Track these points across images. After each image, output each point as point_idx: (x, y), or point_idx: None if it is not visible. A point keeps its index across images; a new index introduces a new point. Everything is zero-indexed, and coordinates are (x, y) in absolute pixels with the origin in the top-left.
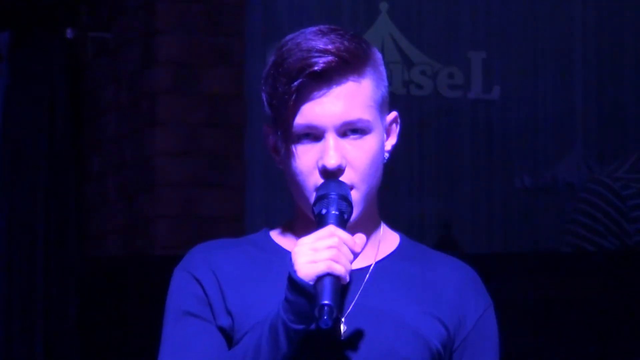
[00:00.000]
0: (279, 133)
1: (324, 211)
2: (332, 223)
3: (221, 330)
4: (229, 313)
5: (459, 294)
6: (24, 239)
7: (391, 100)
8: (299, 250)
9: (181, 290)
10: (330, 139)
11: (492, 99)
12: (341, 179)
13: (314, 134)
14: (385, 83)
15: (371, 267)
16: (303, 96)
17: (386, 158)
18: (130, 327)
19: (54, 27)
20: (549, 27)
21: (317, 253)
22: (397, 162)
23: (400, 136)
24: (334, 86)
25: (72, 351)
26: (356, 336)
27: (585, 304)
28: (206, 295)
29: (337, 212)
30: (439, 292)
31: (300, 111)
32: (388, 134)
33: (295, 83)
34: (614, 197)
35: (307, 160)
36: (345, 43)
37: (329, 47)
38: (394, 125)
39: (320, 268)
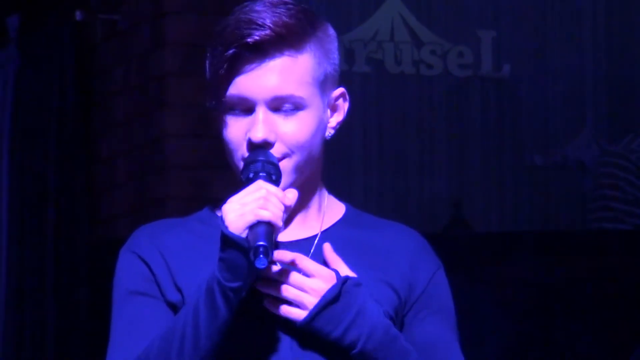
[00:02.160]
0: (213, 102)
1: (251, 175)
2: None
3: (172, 306)
4: (178, 289)
5: (407, 258)
6: (35, 222)
7: (402, 81)
8: (227, 207)
9: (127, 271)
10: (260, 112)
11: (502, 78)
12: (274, 154)
13: (245, 106)
14: (334, 61)
15: (317, 237)
16: (236, 67)
17: (330, 134)
18: None
19: (63, 10)
20: (559, 5)
21: (245, 206)
22: (407, 142)
23: (411, 115)
24: (268, 60)
25: (83, 335)
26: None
27: (597, 282)
28: (152, 273)
29: (264, 174)
30: (387, 258)
31: (233, 82)
32: (333, 110)
33: (228, 52)
34: (633, 166)
35: (236, 131)
36: (285, 18)
37: (267, 21)
38: (340, 100)
39: (248, 218)
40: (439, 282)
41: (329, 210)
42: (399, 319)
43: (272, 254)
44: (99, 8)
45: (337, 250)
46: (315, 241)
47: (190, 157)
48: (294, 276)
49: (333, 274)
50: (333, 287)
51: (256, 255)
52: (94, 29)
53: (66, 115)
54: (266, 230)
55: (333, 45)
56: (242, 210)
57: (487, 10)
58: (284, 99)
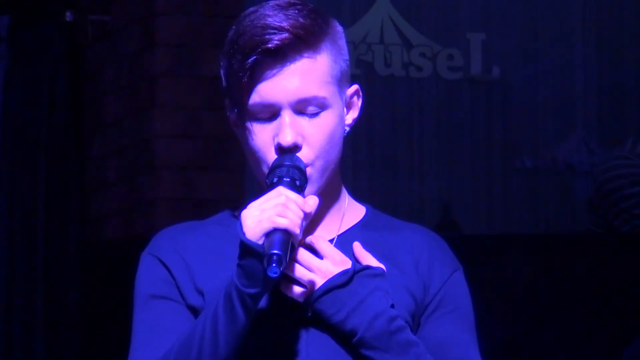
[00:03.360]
0: (235, 110)
1: (275, 179)
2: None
3: (193, 309)
4: (200, 292)
5: (424, 260)
6: (25, 223)
7: (391, 83)
8: (246, 213)
9: (148, 275)
10: (286, 116)
11: (492, 80)
12: (303, 158)
13: (270, 112)
14: (345, 57)
15: (334, 240)
16: (257, 74)
17: (346, 131)
18: (131, 309)
19: (53, 10)
20: (549, 8)
21: (263, 212)
22: (397, 144)
23: (400, 118)
24: (289, 63)
25: (73, 335)
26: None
27: (586, 284)
28: (173, 277)
29: (288, 179)
30: (404, 260)
31: (256, 89)
32: (349, 107)
33: (249, 60)
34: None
35: (263, 137)
36: (300, 19)
37: (284, 24)
38: (355, 98)
39: (265, 225)
40: (456, 283)
41: (348, 212)
42: (416, 322)
43: (285, 263)
44: (89, 9)
45: (354, 253)
46: (332, 244)
47: (180, 157)
48: (303, 255)
49: (347, 260)
50: (343, 271)
51: (269, 264)
52: (84, 29)
53: (56, 115)
54: (282, 238)
55: (343, 41)
56: (260, 216)
57: (476, 12)
58: (308, 101)
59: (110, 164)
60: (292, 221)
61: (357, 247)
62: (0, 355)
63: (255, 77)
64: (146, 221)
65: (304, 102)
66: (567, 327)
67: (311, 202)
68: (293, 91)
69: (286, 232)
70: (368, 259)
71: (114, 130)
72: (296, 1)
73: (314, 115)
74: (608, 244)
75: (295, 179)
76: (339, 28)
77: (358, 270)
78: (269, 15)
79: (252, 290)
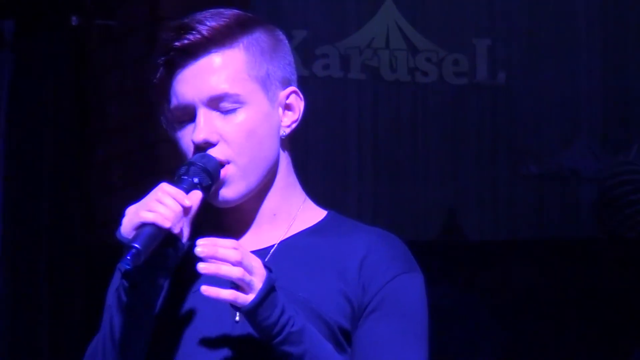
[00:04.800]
0: (164, 120)
1: (175, 178)
2: (182, 187)
3: None
4: None
5: (368, 262)
6: (30, 228)
7: (397, 88)
8: (127, 210)
9: (112, 286)
10: (201, 114)
11: (498, 86)
12: (215, 154)
13: (189, 113)
14: (280, 61)
15: (273, 248)
16: (170, 74)
17: (285, 133)
18: None
19: (58, 15)
20: (554, 13)
21: (137, 208)
22: (402, 149)
23: (405, 123)
24: (198, 60)
25: (78, 340)
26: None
27: (592, 290)
28: None
29: (185, 177)
30: (346, 266)
31: (173, 92)
32: (288, 109)
33: (160, 61)
34: None
35: (186, 139)
36: (212, 22)
37: (195, 25)
38: (292, 99)
39: (134, 220)
40: (400, 286)
41: (300, 218)
42: (354, 326)
43: (144, 257)
44: (94, 13)
45: (293, 260)
46: (271, 251)
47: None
48: (246, 256)
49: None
50: (268, 269)
51: (123, 256)
52: (89, 34)
53: (61, 119)
54: (149, 232)
55: (279, 47)
56: (134, 212)
57: (482, 18)
58: (220, 98)
59: (115, 169)
60: (161, 215)
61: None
62: None
63: (168, 77)
64: None
65: (216, 99)
66: (572, 333)
67: (193, 197)
68: (203, 88)
69: (154, 226)
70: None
71: (119, 134)
72: (223, 10)
73: (229, 111)
74: (613, 250)
75: (194, 176)
76: (277, 34)
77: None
78: (184, 20)
79: (125, 283)
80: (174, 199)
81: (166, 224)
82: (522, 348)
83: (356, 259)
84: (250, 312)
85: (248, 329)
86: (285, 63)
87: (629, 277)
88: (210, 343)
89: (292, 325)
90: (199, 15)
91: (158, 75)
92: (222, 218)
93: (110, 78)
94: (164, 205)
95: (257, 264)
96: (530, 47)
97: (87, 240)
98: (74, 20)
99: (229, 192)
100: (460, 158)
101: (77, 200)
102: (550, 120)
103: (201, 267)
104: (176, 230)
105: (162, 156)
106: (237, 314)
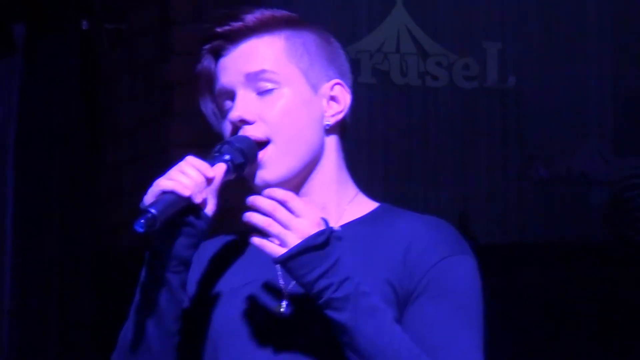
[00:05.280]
0: (212, 110)
1: (211, 155)
2: (210, 163)
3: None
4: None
5: (415, 247)
6: (39, 231)
7: (407, 92)
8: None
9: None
10: (239, 94)
11: (508, 89)
12: (252, 132)
13: (230, 97)
14: (325, 57)
15: None
16: (214, 63)
17: (329, 123)
18: None
19: (69, 19)
20: (564, 17)
21: (160, 179)
22: (412, 153)
23: (416, 127)
24: (236, 47)
25: (87, 345)
26: (298, 312)
27: (601, 293)
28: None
29: (217, 154)
30: (390, 251)
31: (215, 81)
32: (333, 100)
33: (205, 47)
34: None
35: (226, 123)
36: (257, 13)
37: (239, 14)
38: (337, 90)
39: (154, 189)
40: (447, 268)
41: (351, 210)
42: (401, 312)
43: (160, 222)
44: (105, 17)
45: (340, 250)
46: None
47: None
48: (281, 212)
49: (321, 220)
50: (319, 232)
51: (137, 218)
52: (100, 37)
53: (72, 123)
54: (167, 199)
55: (326, 46)
56: (157, 182)
57: (492, 22)
58: (257, 75)
59: (125, 173)
60: (179, 183)
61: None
62: None
63: (211, 66)
64: None
65: (253, 77)
66: (582, 336)
67: (217, 169)
68: (241, 68)
69: (173, 194)
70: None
71: (129, 138)
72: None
73: (267, 91)
74: (623, 253)
75: (226, 153)
76: (323, 34)
77: (331, 233)
78: (228, 11)
79: (147, 254)
80: (197, 169)
81: (185, 192)
82: (531, 351)
83: (402, 246)
84: (283, 266)
85: (292, 320)
86: (331, 61)
87: (638, 280)
88: (254, 334)
89: (335, 291)
90: (248, 7)
91: (201, 63)
92: None
93: (121, 81)
94: (184, 175)
95: (297, 222)
96: (540, 51)
97: (97, 243)
98: (84, 24)
99: (267, 174)
100: (470, 162)
101: (87, 204)
102: (560, 123)
103: (246, 214)
104: (197, 200)
105: (173, 160)
106: (282, 304)
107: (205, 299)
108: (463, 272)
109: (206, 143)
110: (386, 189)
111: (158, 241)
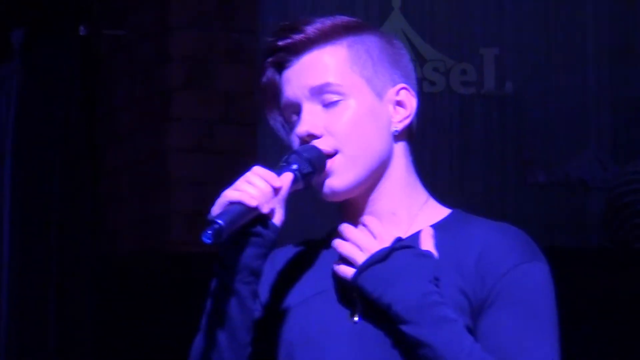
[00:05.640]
0: (279, 125)
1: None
2: (277, 172)
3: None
4: (260, 303)
5: (487, 255)
6: (38, 236)
7: None
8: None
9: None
10: (305, 108)
11: (505, 95)
12: (322, 146)
13: (296, 113)
14: (389, 62)
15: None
16: (278, 76)
17: (397, 129)
18: (145, 323)
19: (68, 24)
20: (562, 22)
21: (228, 190)
22: None
23: (413, 133)
24: (298, 59)
25: (86, 349)
26: (371, 321)
27: (599, 299)
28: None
29: (284, 164)
30: (462, 259)
31: (281, 94)
32: (400, 105)
33: (266, 60)
34: None
35: (293, 137)
36: (317, 23)
37: (298, 25)
38: (403, 95)
39: (221, 200)
40: (519, 276)
41: (422, 216)
42: (474, 320)
43: (227, 234)
44: (103, 23)
45: None
46: None
47: (195, 171)
48: (353, 233)
49: (391, 237)
50: (383, 248)
51: (204, 230)
52: (98, 43)
53: (71, 129)
54: (234, 210)
55: (390, 50)
56: (224, 193)
57: (490, 27)
58: (321, 88)
59: (124, 178)
60: (246, 193)
61: (425, 231)
62: None
63: (276, 79)
64: (160, 235)
65: (318, 90)
66: (580, 342)
67: (284, 178)
68: (306, 83)
69: (241, 205)
70: (426, 246)
71: (128, 144)
72: (331, 16)
73: (332, 104)
74: (621, 259)
75: (293, 163)
76: (386, 38)
77: (398, 247)
78: (286, 22)
79: (216, 265)
80: (263, 179)
81: (252, 203)
82: None
83: (474, 253)
84: (355, 286)
85: (366, 330)
86: (395, 64)
87: (636, 286)
88: (329, 344)
89: (400, 304)
90: (306, 18)
91: (265, 76)
92: (343, 220)
93: (120, 87)
94: (251, 185)
95: (367, 241)
96: (538, 57)
97: (95, 248)
98: (82, 29)
99: (336, 182)
100: (467, 167)
101: (86, 208)
102: (558, 129)
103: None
104: (264, 210)
105: (172, 165)
106: (355, 313)
107: (278, 310)
108: (536, 279)
109: (204, 148)
110: None
111: (227, 252)
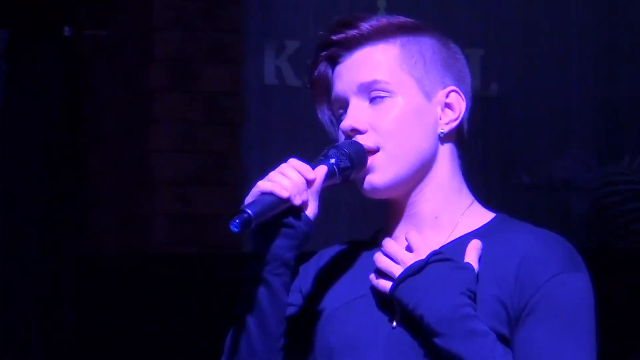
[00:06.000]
0: (329, 120)
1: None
2: (313, 165)
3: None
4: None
5: (526, 263)
6: (21, 237)
7: None
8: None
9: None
10: (351, 103)
11: (490, 96)
12: (363, 141)
13: (344, 108)
14: (442, 64)
15: (444, 246)
16: (330, 70)
17: (443, 131)
18: (127, 324)
19: (51, 26)
20: (546, 24)
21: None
22: None
23: None
24: (350, 55)
25: (70, 351)
26: (409, 327)
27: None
28: (299, 285)
29: (323, 157)
30: (502, 267)
31: (333, 89)
32: (449, 107)
33: (319, 54)
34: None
35: (340, 132)
36: (373, 21)
37: (355, 21)
38: (453, 97)
39: (254, 191)
40: (558, 287)
41: (465, 221)
42: (512, 330)
43: (255, 223)
44: (87, 24)
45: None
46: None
47: (177, 172)
48: (391, 247)
49: (427, 250)
50: (418, 261)
51: (233, 218)
52: (82, 44)
53: (54, 130)
54: (265, 200)
55: (444, 53)
56: (258, 184)
57: (474, 28)
58: (369, 85)
59: (107, 179)
60: (277, 184)
61: (471, 244)
62: None
63: (327, 73)
64: (143, 236)
65: (366, 87)
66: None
67: (318, 171)
68: (354, 79)
69: (272, 196)
70: (469, 258)
71: (111, 145)
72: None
73: (379, 100)
74: (605, 259)
75: (332, 157)
76: (443, 41)
77: (433, 260)
78: (347, 16)
79: (251, 252)
80: (297, 170)
81: (283, 194)
82: None
83: (514, 261)
84: (392, 298)
85: (404, 336)
86: (448, 67)
87: (619, 287)
88: (368, 348)
89: (430, 317)
90: (363, 14)
91: (317, 70)
92: (389, 224)
93: (103, 88)
94: (284, 176)
95: (404, 255)
96: (522, 58)
97: (79, 250)
98: (66, 30)
99: (376, 179)
100: None
101: (68, 210)
102: (542, 130)
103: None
104: (296, 202)
105: (155, 167)
106: (394, 320)
107: (319, 311)
108: (575, 290)
109: (187, 149)
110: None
111: (258, 242)
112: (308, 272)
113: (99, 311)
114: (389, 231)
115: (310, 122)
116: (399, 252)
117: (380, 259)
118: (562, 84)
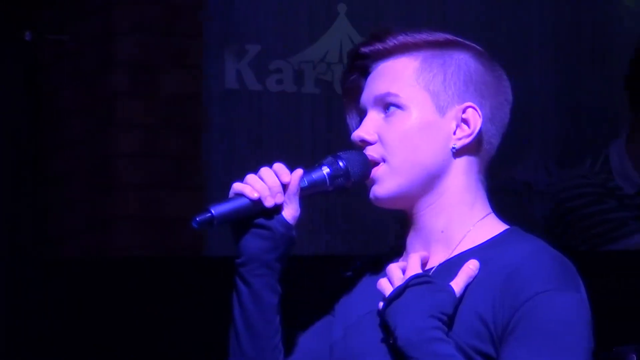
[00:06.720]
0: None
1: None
2: (309, 171)
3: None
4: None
5: (510, 278)
6: None
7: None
8: None
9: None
10: (367, 114)
11: None
12: (370, 152)
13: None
14: (466, 81)
15: (432, 270)
16: (360, 81)
17: (456, 146)
18: (91, 328)
19: (11, 30)
20: (506, 27)
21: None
22: None
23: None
24: (375, 68)
25: (31, 354)
26: None
27: None
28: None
29: (317, 164)
30: (492, 282)
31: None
32: (464, 122)
33: (349, 65)
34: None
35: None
36: (402, 34)
37: (384, 34)
38: (469, 113)
39: (230, 192)
40: (542, 305)
41: (471, 236)
42: (496, 347)
43: (217, 222)
44: (47, 28)
45: (445, 280)
46: (430, 273)
47: (140, 176)
48: (391, 270)
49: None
50: (400, 284)
51: (197, 215)
52: (43, 49)
53: (15, 134)
54: (235, 201)
55: (478, 71)
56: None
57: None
58: (382, 98)
59: (70, 183)
60: (249, 186)
61: (466, 266)
62: None
63: (357, 83)
64: (106, 241)
65: (379, 100)
66: None
67: (294, 175)
68: (372, 89)
69: (243, 197)
70: (457, 280)
71: (73, 149)
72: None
73: (391, 113)
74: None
75: (325, 165)
76: (481, 59)
77: (412, 283)
78: (381, 28)
79: (237, 260)
80: (274, 173)
81: (254, 195)
82: None
83: (501, 276)
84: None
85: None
86: (472, 83)
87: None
88: None
89: (397, 340)
90: (396, 27)
91: (348, 79)
92: (405, 235)
93: (65, 93)
94: (257, 178)
95: (398, 277)
96: None
97: (40, 254)
98: (27, 35)
99: (378, 190)
100: None
101: (31, 215)
102: (504, 134)
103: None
104: (267, 203)
105: (117, 170)
106: (391, 337)
107: (340, 326)
108: (560, 310)
109: (149, 154)
110: (326, 200)
111: (237, 243)
112: (345, 286)
113: (61, 314)
114: (404, 242)
115: (269, 125)
116: (395, 275)
117: (381, 280)
118: (523, 87)
